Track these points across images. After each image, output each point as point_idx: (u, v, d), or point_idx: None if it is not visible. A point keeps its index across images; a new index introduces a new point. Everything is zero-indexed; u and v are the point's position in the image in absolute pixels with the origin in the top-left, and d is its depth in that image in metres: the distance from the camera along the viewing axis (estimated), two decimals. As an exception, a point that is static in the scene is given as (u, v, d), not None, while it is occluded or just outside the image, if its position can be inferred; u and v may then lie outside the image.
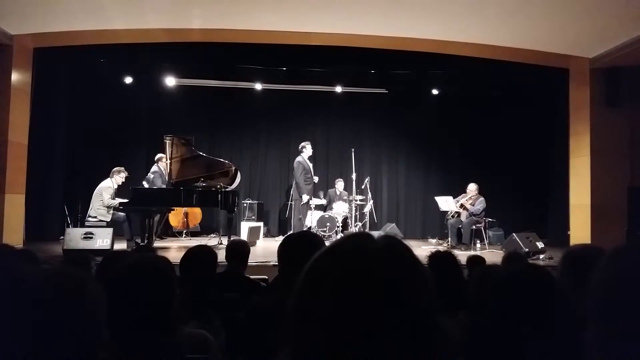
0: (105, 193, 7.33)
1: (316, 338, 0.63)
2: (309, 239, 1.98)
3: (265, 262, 5.72)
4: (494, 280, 1.74)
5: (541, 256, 7.11)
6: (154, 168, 8.38)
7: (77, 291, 0.98)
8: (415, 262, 0.68)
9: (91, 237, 6.45)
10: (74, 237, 6.44)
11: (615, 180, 7.50)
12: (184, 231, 9.55)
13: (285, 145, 10.59)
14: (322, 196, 9.67)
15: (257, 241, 8.40)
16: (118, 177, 7.55)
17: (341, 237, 0.73)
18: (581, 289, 1.60)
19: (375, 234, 0.72)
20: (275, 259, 2.04)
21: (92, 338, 0.98)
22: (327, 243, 0.74)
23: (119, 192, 7.63)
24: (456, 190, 8.98)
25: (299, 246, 1.92)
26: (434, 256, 2.87)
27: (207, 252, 2.66)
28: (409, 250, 0.70)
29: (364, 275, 0.63)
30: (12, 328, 0.88)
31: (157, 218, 7.77)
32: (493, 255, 6.98)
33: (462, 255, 3.61)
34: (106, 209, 7.29)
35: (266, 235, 9.78)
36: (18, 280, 0.94)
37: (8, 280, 0.94)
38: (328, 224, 8.60)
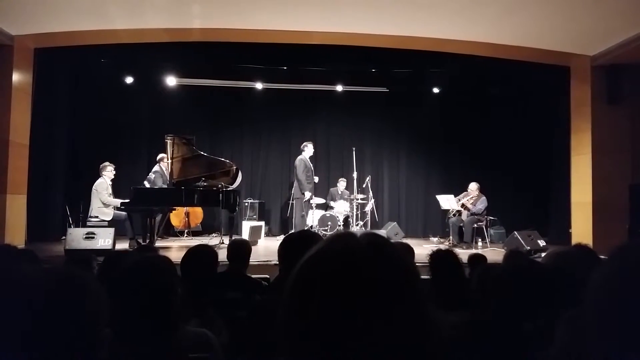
0: (100, 189, 7.34)
1: (306, 340, 0.63)
2: (308, 238, 1.99)
3: (267, 261, 5.72)
4: (494, 277, 1.74)
5: (542, 254, 7.10)
6: (156, 168, 8.39)
7: (77, 291, 0.98)
8: (400, 259, 0.68)
9: (93, 237, 6.45)
10: (76, 237, 6.44)
11: (616, 177, 7.49)
12: (186, 231, 9.56)
13: (286, 144, 10.60)
14: (328, 200, 9.63)
15: (259, 240, 8.41)
16: (107, 173, 7.56)
17: (325, 239, 0.73)
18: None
19: (359, 233, 0.72)
20: (277, 258, 2.04)
21: (93, 338, 0.98)
22: None
23: (120, 191, 7.63)
24: (457, 189, 8.98)
25: (299, 245, 1.92)
26: (436, 255, 2.87)
27: (207, 252, 2.66)
28: (393, 248, 0.70)
29: (350, 276, 0.64)
30: (12, 328, 0.88)
31: (158, 218, 7.77)
32: (494, 254, 6.98)
33: (463, 253, 3.61)
34: (105, 207, 7.30)
35: (267, 234, 9.79)
36: (18, 280, 0.94)
37: (8, 280, 0.94)
38: (329, 222, 8.60)
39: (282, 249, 1.99)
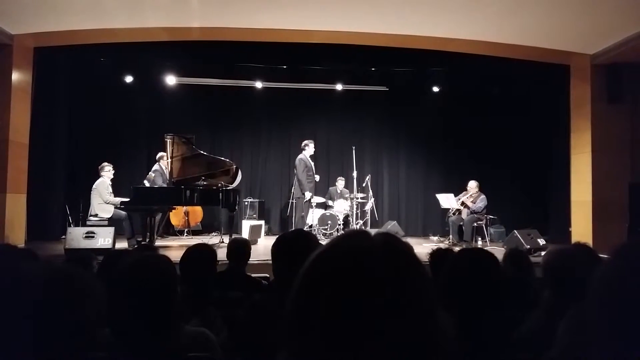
0: (101, 188, 7.34)
1: (315, 339, 0.62)
2: (303, 238, 1.97)
3: (267, 260, 5.72)
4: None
5: (542, 253, 7.10)
6: (155, 167, 8.39)
7: (74, 289, 0.97)
8: (413, 260, 0.68)
9: (93, 236, 6.45)
10: (76, 236, 6.44)
11: (616, 176, 7.49)
12: (185, 230, 9.55)
13: (286, 143, 10.59)
14: (327, 199, 9.63)
15: (259, 239, 8.40)
16: (106, 173, 7.55)
17: (338, 236, 0.72)
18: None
19: (373, 231, 0.71)
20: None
21: (84, 336, 0.97)
22: (326, 241, 0.73)
23: (120, 191, 7.63)
24: (457, 188, 8.98)
25: (293, 244, 1.91)
26: (435, 254, 2.88)
27: (206, 251, 2.66)
28: (407, 248, 0.69)
29: (362, 275, 0.63)
30: (7, 327, 0.88)
31: (158, 217, 7.77)
32: (494, 253, 6.97)
33: (463, 252, 3.60)
34: (105, 204, 7.30)
35: (267, 233, 9.79)
36: (14, 278, 0.94)
37: (4, 278, 0.94)
38: (329, 222, 8.60)
39: (276, 249, 1.96)
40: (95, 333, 1.02)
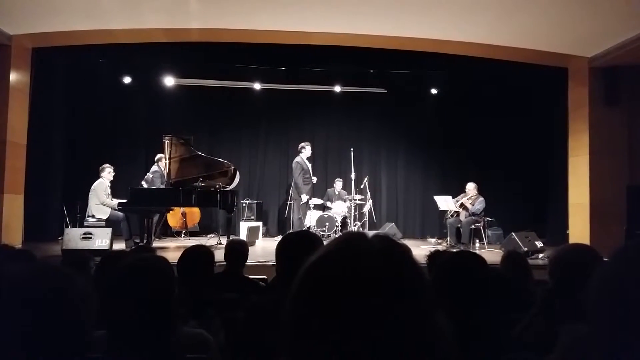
0: (99, 190, 7.34)
1: (313, 342, 0.62)
2: (307, 238, 1.98)
3: (265, 261, 5.72)
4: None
5: (540, 255, 7.12)
6: (154, 168, 8.38)
7: (61, 289, 0.96)
8: (410, 262, 0.68)
9: (90, 237, 6.44)
10: (73, 237, 6.43)
11: (614, 179, 7.50)
12: (183, 231, 9.54)
13: (284, 145, 10.60)
14: (325, 200, 9.63)
15: (256, 241, 8.40)
16: (106, 174, 7.55)
17: (335, 239, 0.71)
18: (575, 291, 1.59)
19: (370, 234, 0.71)
20: (274, 258, 2.03)
21: (75, 337, 0.96)
22: (325, 243, 0.73)
23: (118, 192, 7.62)
24: (455, 190, 8.98)
25: (298, 245, 1.91)
26: (433, 256, 2.88)
27: (204, 252, 2.66)
28: (404, 250, 0.69)
29: (359, 277, 0.63)
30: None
31: (156, 218, 7.76)
32: (492, 255, 6.98)
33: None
34: (102, 205, 7.29)
35: (265, 235, 9.78)
36: (6, 279, 0.93)
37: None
38: (327, 223, 8.60)
39: (280, 249, 1.96)
40: (89, 335, 1.01)
